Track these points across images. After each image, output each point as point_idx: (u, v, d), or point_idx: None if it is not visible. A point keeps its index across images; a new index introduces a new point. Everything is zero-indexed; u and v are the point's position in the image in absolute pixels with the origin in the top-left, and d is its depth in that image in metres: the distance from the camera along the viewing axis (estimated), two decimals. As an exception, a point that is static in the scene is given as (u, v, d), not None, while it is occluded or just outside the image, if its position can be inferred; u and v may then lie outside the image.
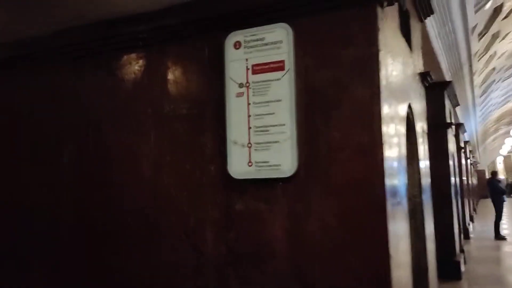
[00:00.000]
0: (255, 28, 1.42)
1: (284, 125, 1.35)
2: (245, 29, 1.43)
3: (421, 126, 2.18)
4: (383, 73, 1.34)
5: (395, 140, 1.46)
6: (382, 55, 1.33)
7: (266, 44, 1.40)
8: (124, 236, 1.61)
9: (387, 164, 1.32)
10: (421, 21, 2.45)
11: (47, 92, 1.81)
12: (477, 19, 4.25)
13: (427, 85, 2.45)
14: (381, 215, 1.28)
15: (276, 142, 1.36)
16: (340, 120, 1.32)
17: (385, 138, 1.32)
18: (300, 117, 1.37)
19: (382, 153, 1.28)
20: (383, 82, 1.32)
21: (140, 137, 1.58)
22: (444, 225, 3.97)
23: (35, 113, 1.85)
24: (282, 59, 1.37)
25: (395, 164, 1.47)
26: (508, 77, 8.86)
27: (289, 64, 1.36)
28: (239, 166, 1.40)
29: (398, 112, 1.60)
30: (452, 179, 4.60)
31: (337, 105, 1.33)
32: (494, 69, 7.43)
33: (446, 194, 4.37)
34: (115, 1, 1.52)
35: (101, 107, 1.67)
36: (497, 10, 4.80)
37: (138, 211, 1.57)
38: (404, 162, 1.66)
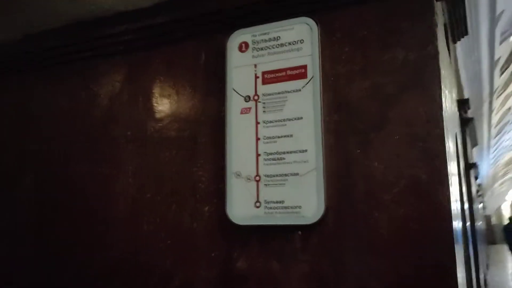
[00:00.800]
0: (267, 25, 1.08)
1: (305, 151, 0.99)
2: (254, 26, 1.09)
3: (461, 162, 1.82)
4: (443, 84, 0.99)
5: (454, 176, 1.09)
6: (440, 60, 0.99)
7: (282, 45, 1.05)
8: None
9: (453, 210, 0.95)
10: (454, 42, 2.13)
11: (8, 108, 1.46)
12: (501, 52, 3.94)
13: (464, 115, 2.10)
14: (449, 280, 0.90)
15: (294, 174, 0.99)
16: (385, 146, 0.96)
17: (449, 173, 0.96)
18: (328, 141, 1.00)
19: (448, 194, 0.92)
20: (442, 95, 0.97)
21: (116, 167, 1.21)
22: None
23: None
24: (303, 64, 1.02)
25: (457, 209, 1.08)
26: (523, 119, 8.54)
27: (313, 70, 1.01)
28: (242, 207, 1.02)
29: (451, 142, 1.24)
30: (468, 223, 4.21)
31: (379, 125, 0.97)
32: (509, 108, 7.10)
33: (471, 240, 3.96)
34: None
35: (71, 129, 1.31)
36: (519, 44, 4.51)
37: (106, 269, 1.17)
38: (459, 207, 1.29)
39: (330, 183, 0.96)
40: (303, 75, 1.00)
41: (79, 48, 1.30)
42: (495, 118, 6.51)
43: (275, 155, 1.00)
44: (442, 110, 0.92)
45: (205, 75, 1.14)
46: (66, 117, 1.32)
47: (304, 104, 0.99)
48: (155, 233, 1.12)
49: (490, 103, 4.87)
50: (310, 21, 1.02)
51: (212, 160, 1.09)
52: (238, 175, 1.02)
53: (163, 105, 1.18)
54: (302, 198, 0.96)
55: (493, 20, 2.88)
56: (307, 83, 1.00)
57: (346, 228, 0.95)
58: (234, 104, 1.05)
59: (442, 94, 0.94)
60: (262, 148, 1.01)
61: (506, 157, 13.52)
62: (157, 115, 1.18)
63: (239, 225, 1.01)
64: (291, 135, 0.99)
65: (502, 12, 3.01)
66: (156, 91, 1.19)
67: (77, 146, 1.28)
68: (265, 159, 1.01)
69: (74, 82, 1.33)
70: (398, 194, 0.93)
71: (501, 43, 3.78)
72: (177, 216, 1.11)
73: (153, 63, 1.21)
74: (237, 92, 1.06)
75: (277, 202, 0.98)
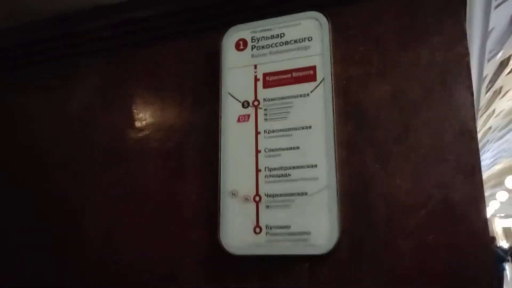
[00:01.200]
0: (269, 20, 0.93)
1: (315, 166, 0.84)
2: (254, 21, 0.95)
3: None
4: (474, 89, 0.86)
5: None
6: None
7: (286, 43, 0.91)
8: None
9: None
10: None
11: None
12: (488, 70, 3.91)
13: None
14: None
15: (302, 194, 0.84)
16: (408, 161, 0.81)
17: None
18: (341, 155, 0.86)
19: (485, 217, 0.77)
20: (474, 102, 0.84)
21: (88, 184, 1.04)
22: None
23: None
24: (312, 64, 0.88)
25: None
26: (500, 138, 8.59)
27: (324, 72, 0.86)
28: (239, 233, 0.85)
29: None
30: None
31: (401, 136, 0.82)
32: (490, 128, 7.14)
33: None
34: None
35: (40, 137, 1.13)
36: (503, 64, 4.49)
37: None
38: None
39: (344, 204, 0.81)
40: (311, 78, 0.86)
41: (51, 46, 1.13)
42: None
43: (278, 170, 0.84)
44: (475, 120, 0.79)
45: (196, 78, 0.98)
46: (36, 124, 1.14)
47: (313, 111, 0.84)
48: (131, 264, 0.94)
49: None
50: (320, 16, 0.87)
51: (203, 177, 0.93)
52: (233, 194, 0.86)
53: (146, 112, 1.02)
54: (312, 223, 0.80)
55: (485, 36, 2.82)
56: (317, 86, 0.85)
57: (364, 259, 0.80)
58: (230, 110, 0.90)
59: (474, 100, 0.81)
60: (263, 162, 0.86)
61: (484, 176, 13.67)
62: (139, 123, 1.02)
63: (235, 255, 0.84)
64: (298, 147, 0.84)
65: (492, 30, 2.96)
66: (139, 95, 1.03)
67: (47, 156, 1.10)
68: (266, 176, 0.85)
69: (45, 84, 1.15)
70: (426, 217, 0.78)
71: (489, 60, 3.75)
72: (159, 243, 0.93)
73: (136, 63, 1.04)
74: (233, 97, 0.90)
75: (281, 227, 0.82)
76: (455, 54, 0.81)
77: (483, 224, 0.75)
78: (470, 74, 0.80)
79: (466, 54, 0.81)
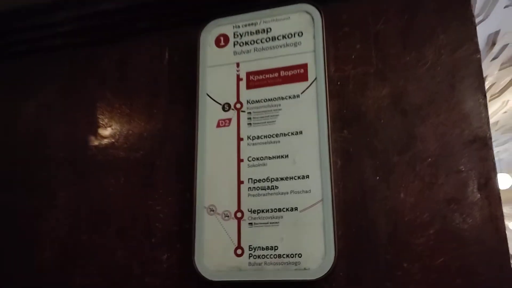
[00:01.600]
0: (254, 13, 0.83)
1: (307, 177, 0.72)
2: (237, 15, 0.85)
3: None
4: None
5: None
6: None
7: (273, 39, 0.81)
8: None
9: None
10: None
11: None
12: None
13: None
14: None
15: (292, 209, 0.72)
16: (413, 172, 0.71)
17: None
18: (337, 165, 0.75)
19: (504, 236, 0.67)
20: (487, 105, 0.75)
21: (43, 199, 0.90)
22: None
23: None
24: (303, 62, 0.78)
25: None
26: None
27: (317, 70, 0.76)
28: (217, 256, 0.71)
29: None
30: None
31: (405, 145, 0.72)
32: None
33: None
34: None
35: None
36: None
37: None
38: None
39: (341, 221, 0.70)
40: (302, 77, 0.75)
41: (4, 42, 1.00)
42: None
43: (264, 182, 0.73)
44: (488, 125, 0.70)
45: (170, 78, 0.87)
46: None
47: (304, 115, 0.74)
48: (91, 292, 0.80)
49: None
50: (312, 9, 0.78)
51: (176, 190, 0.80)
52: (211, 210, 0.74)
53: (111, 117, 0.89)
54: (303, 243, 0.69)
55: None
56: (308, 87, 0.75)
57: (364, 285, 0.68)
58: (209, 114, 0.78)
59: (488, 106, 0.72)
60: (247, 173, 0.74)
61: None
62: (102, 131, 0.89)
63: (212, 281, 0.71)
64: (287, 156, 0.73)
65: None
66: (103, 98, 0.90)
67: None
68: (250, 188, 0.73)
69: (-6, 88, 1.01)
70: (435, 236, 0.67)
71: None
72: (123, 267, 0.79)
73: (101, 62, 0.92)
74: (212, 99, 0.79)
75: (267, 248, 0.70)
76: (463, 54, 0.73)
77: (502, 244, 0.65)
78: (482, 74, 0.71)
79: (476, 52, 0.72)
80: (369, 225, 0.70)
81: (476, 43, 0.72)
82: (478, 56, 0.72)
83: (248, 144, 0.75)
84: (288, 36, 0.78)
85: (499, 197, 0.67)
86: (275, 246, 0.69)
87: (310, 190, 0.70)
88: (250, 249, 0.70)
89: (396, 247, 0.68)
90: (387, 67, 0.76)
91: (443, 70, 0.73)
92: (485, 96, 0.70)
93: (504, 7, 1.78)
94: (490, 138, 0.68)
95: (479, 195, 0.67)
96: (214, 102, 0.78)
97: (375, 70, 0.76)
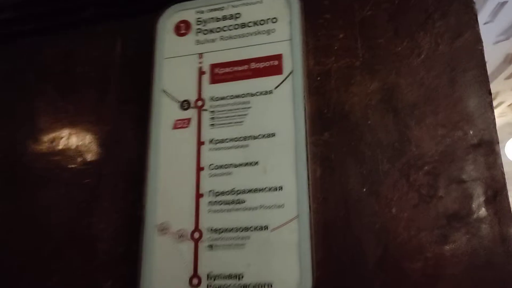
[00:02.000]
0: (220, -3, 0.72)
1: (280, 189, 0.60)
2: (201, -1, 0.73)
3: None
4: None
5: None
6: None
7: (243, 26, 0.69)
8: None
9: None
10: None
11: None
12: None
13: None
14: None
15: (261, 228, 0.59)
16: (407, 183, 0.59)
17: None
18: (316, 174, 0.63)
19: (518, 262, 0.56)
20: (492, 103, 0.64)
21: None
22: None
23: None
24: (277, 53, 0.66)
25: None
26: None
27: (292, 63, 0.64)
28: (169, 285, 0.60)
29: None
30: None
31: (397, 149, 0.61)
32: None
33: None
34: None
35: None
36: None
37: None
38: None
39: (321, 243, 0.57)
40: (276, 70, 0.63)
41: None
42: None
43: (228, 195, 0.60)
44: (496, 129, 0.58)
45: (122, 73, 0.74)
46: None
47: (277, 114, 0.61)
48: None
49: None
50: (287, -8, 0.66)
51: (125, 205, 0.67)
52: (163, 229, 0.60)
53: (51, 120, 0.75)
54: (274, 270, 0.56)
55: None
56: (283, 81, 0.63)
57: (349, 322, 0.55)
58: (164, 114, 0.66)
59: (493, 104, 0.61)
60: (207, 183, 0.61)
61: None
62: (38, 135, 0.75)
63: (163, 315, 0.57)
64: (257, 163, 0.60)
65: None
66: (43, 95, 0.77)
67: None
68: (211, 203, 0.60)
69: None
70: (434, 261, 0.55)
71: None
72: (57, 297, 0.65)
73: (42, 54, 0.79)
74: (169, 95, 0.66)
75: (229, 277, 0.57)
76: (463, 44, 0.62)
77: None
78: (485, 67, 0.60)
79: (478, 41, 0.61)
80: (354, 247, 0.57)
81: (478, 32, 0.61)
82: (480, 47, 0.61)
83: (210, 149, 0.62)
84: (260, 23, 0.66)
85: (510, 212, 0.55)
86: (239, 274, 0.56)
87: (283, 205, 0.58)
88: (209, 278, 0.57)
89: (387, 273, 0.56)
90: (375, 59, 0.64)
91: (441, 62, 0.62)
92: (490, 93, 0.59)
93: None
94: (498, 142, 0.57)
95: (486, 210, 0.55)
96: (170, 99, 0.66)
97: (362, 63, 0.64)
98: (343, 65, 0.65)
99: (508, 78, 2.48)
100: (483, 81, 0.59)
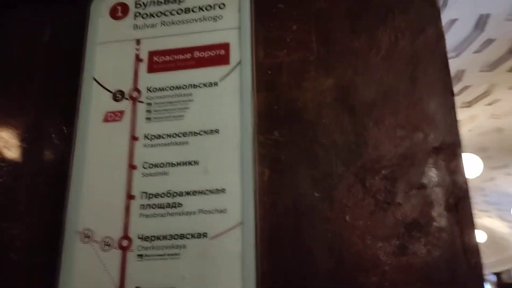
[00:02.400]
0: (163, -21, 0.65)
1: (222, 191, 0.52)
2: (142, -19, 0.65)
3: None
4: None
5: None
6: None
7: (187, 11, 0.62)
8: None
9: None
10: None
11: None
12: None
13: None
14: None
15: (200, 236, 0.51)
16: (363, 187, 0.54)
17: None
18: (264, 176, 0.56)
19: (480, 273, 0.51)
20: (455, 104, 0.60)
21: None
22: None
23: None
24: (224, 41, 0.59)
25: None
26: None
27: (241, 53, 0.58)
28: None
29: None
30: None
31: (353, 152, 0.55)
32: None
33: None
34: None
35: None
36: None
37: None
38: None
39: (267, 253, 0.51)
40: (222, 60, 0.57)
41: None
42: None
43: (163, 198, 0.52)
44: (458, 129, 0.54)
45: (49, 60, 0.65)
46: None
47: (222, 108, 0.55)
48: None
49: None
50: (237, -24, 0.61)
51: (43, 209, 0.58)
52: (86, 236, 0.52)
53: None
54: (213, 283, 0.48)
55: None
56: (230, 72, 0.56)
57: None
58: (94, 105, 0.57)
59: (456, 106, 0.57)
60: (140, 184, 0.53)
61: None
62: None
63: None
64: (197, 162, 0.53)
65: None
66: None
67: None
68: (143, 206, 0.52)
69: None
70: (391, 274, 0.50)
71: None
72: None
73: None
74: (100, 84, 0.58)
75: (162, 292, 0.49)
76: (425, 40, 0.58)
77: (477, 283, 0.48)
78: (447, 65, 0.56)
79: (440, 38, 0.57)
80: (304, 258, 0.51)
81: (441, 28, 0.58)
82: (443, 44, 0.57)
83: (144, 145, 0.55)
84: (206, 8, 0.60)
85: (473, 222, 0.51)
86: (173, 289, 0.48)
87: (225, 210, 0.51)
88: (139, 293, 0.49)
89: (342, 286, 0.50)
90: (331, 54, 0.59)
91: (401, 60, 0.57)
92: (452, 93, 0.55)
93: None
94: (461, 146, 0.53)
95: (448, 219, 0.51)
96: (102, 88, 0.58)
97: (316, 58, 0.59)
98: (296, 58, 0.59)
99: (457, 95, 2.55)
100: (446, 80, 0.55)
